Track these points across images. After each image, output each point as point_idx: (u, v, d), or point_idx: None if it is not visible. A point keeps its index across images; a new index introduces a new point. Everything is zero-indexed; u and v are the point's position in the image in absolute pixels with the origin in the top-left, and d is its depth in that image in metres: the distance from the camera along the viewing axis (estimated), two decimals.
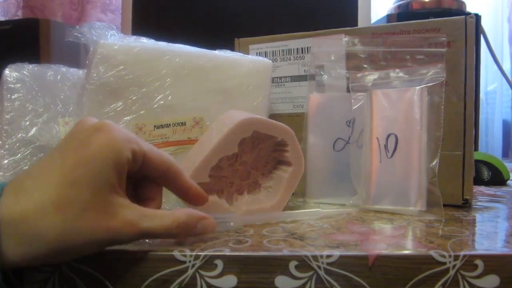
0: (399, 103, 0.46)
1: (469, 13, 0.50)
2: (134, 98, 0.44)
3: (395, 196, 0.45)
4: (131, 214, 0.29)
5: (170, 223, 0.30)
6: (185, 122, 0.46)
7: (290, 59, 0.57)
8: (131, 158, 0.29)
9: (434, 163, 0.44)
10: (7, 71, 0.54)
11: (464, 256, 0.30)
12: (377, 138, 0.46)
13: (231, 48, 0.56)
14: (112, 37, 0.44)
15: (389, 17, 0.86)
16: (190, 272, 0.30)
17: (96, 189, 0.27)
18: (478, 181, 0.68)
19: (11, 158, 0.52)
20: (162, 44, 0.47)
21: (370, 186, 0.46)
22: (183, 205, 0.41)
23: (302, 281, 0.30)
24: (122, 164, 0.28)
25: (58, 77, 0.57)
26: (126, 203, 0.29)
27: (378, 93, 0.47)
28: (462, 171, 0.47)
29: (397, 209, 0.44)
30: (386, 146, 0.45)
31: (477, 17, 0.76)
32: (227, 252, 0.31)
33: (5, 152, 0.52)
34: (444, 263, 0.30)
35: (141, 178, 0.33)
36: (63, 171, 0.27)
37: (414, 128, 0.44)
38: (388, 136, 0.45)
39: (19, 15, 1.22)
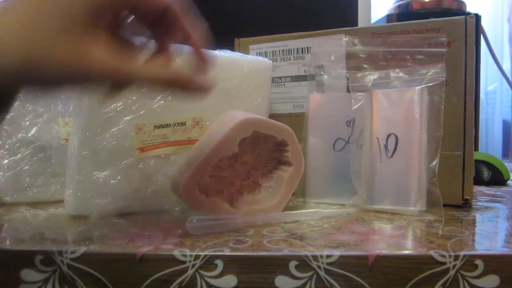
0: (399, 103, 0.46)
1: (469, 13, 0.50)
2: (134, 98, 0.44)
3: (395, 196, 0.45)
4: (108, 53, 0.27)
5: (161, 68, 0.29)
6: (185, 122, 0.46)
7: (290, 59, 0.57)
8: None
9: (434, 163, 0.44)
10: None
11: (464, 256, 0.30)
12: (377, 138, 0.46)
13: (231, 48, 0.56)
14: None
15: (389, 17, 0.86)
16: (190, 272, 0.30)
17: (70, 20, 0.25)
18: (478, 181, 0.68)
19: (11, 158, 0.52)
20: None
21: (370, 186, 0.46)
22: (183, 205, 0.41)
23: (302, 281, 0.30)
24: None
25: None
26: (105, 41, 0.27)
27: (378, 93, 0.47)
28: (462, 171, 0.47)
29: (397, 209, 0.44)
30: (386, 146, 0.45)
31: (477, 17, 0.75)
32: (227, 252, 0.31)
33: (5, 152, 0.52)
34: (444, 263, 0.30)
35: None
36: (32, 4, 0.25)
37: (414, 128, 0.44)
38: (388, 136, 0.45)
39: None
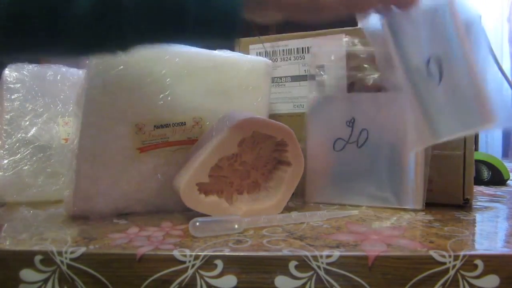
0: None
1: None
2: (134, 98, 0.44)
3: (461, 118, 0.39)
4: None
5: None
6: (185, 122, 0.46)
7: (290, 59, 0.57)
8: None
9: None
10: (7, 71, 0.54)
11: (464, 256, 0.30)
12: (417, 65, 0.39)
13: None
14: None
15: None
16: (190, 272, 0.30)
17: None
18: (478, 181, 0.68)
19: (11, 158, 0.52)
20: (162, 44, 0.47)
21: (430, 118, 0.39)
22: (183, 205, 0.41)
23: (302, 281, 0.30)
24: None
25: (58, 77, 0.57)
26: None
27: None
28: (462, 171, 0.47)
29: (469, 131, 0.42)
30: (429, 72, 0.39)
31: None
32: (227, 252, 0.31)
33: (5, 152, 0.52)
34: (444, 263, 0.30)
35: None
36: None
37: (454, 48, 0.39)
38: (428, 61, 0.39)
39: None
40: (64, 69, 0.57)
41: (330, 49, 0.52)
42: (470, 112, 0.38)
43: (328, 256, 0.30)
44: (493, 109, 0.38)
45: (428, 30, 0.39)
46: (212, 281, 0.30)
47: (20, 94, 0.54)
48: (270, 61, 0.53)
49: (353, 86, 0.50)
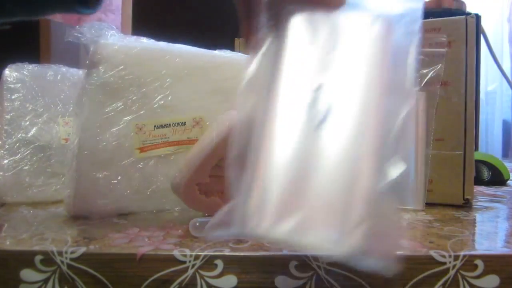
0: None
1: (469, 13, 0.50)
2: (134, 98, 0.44)
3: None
4: None
5: None
6: (185, 122, 0.46)
7: None
8: None
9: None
10: (7, 71, 0.54)
11: (464, 256, 0.30)
12: None
13: (231, 48, 0.55)
14: (112, 37, 0.44)
15: None
16: (190, 272, 0.30)
17: None
18: (478, 181, 0.68)
19: (11, 158, 0.52)
20: (162, 44, 0.47)
21: None
22: (183, 205, 0.41)
23: (302, 281, 0.30)
24: None
25: (58, 77, 0.57)
26: None
27: None
28: (463, 171, 0.47)
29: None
30: None
31: (477, 17, 0.75)
32: (227, 252, 0.31)
33: (5, 152, 0.52)
34: (444, 263, 0.30)
35: None
36: None
37: None
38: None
39: None
40: (64, 69, 0.57)
41: None
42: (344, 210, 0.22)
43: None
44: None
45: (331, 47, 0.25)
46: (212, 281, 0.30)
47: (20, 94, 0.54)
48: None
49: None
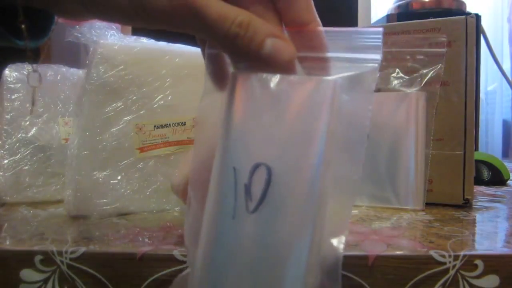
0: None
1: (469, 13, 0.50)
2: (134, 98, 0.44)
3: None
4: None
5: (231, 14, 0.23)
6: (185, 122, 0.46)
7: None
8: None
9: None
10: (7, 71, 0.54)
11: (464, 256, 0.30)
12: None
13: None
14: (112, 37, 0.44)
15: (389, 17, 0.86)
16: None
17: None
18: (478, 181, 0.68)
19: (11, 158, 0.52)
20: (162, 44, 0.47)
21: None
22: (183, 205, 0.41)
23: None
24: None
25: (58, 77, 0.57)
26: None
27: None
28: (463, 170, 0.47)
29: None
30: None
31: (477, 17, 0.76)
32: None
33: (5, 152, 0.52)
34: (444, 263, 0.30)
35: None
36: None
37: None
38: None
39: None
40: (64, 69, 0.57)
41: None
42: None
43: None
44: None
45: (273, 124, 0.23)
46: None
47: (20, 94, 0.54)
48: None
49: None
